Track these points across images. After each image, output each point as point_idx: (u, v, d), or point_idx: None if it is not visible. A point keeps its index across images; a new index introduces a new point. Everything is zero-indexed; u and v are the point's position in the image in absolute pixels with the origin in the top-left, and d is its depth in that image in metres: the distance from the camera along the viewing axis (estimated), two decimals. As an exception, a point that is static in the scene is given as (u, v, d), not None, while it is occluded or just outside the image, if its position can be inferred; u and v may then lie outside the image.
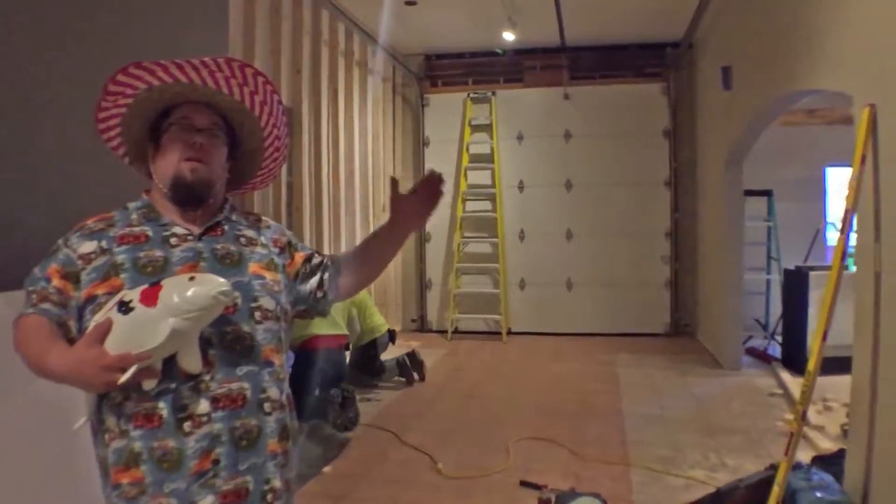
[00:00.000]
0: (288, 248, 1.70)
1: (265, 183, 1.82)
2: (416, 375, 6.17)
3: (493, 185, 8.54)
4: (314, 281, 1.69)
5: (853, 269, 3.62)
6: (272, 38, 5.21)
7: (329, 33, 6.29)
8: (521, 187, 8.64)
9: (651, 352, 7.39)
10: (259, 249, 1.61)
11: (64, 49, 2.59)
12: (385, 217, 6.10)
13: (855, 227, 3.16)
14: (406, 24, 7.12)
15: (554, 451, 4.43)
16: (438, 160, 8.72)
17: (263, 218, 1.74)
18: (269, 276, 1.58)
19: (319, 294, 1.70)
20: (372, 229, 7.22)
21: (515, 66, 8.55)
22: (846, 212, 3.08)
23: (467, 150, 8.56)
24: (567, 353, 7.42)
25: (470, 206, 8.63)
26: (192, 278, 1.33)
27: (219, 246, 1.55)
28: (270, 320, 1.54)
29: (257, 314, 1.51)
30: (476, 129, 8.61)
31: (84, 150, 2.16)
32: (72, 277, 1.45)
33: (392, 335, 6.21)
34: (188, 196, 1.54)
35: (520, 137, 8.60)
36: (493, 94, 8.55)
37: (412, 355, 6.22)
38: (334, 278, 1.72)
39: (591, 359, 7.14)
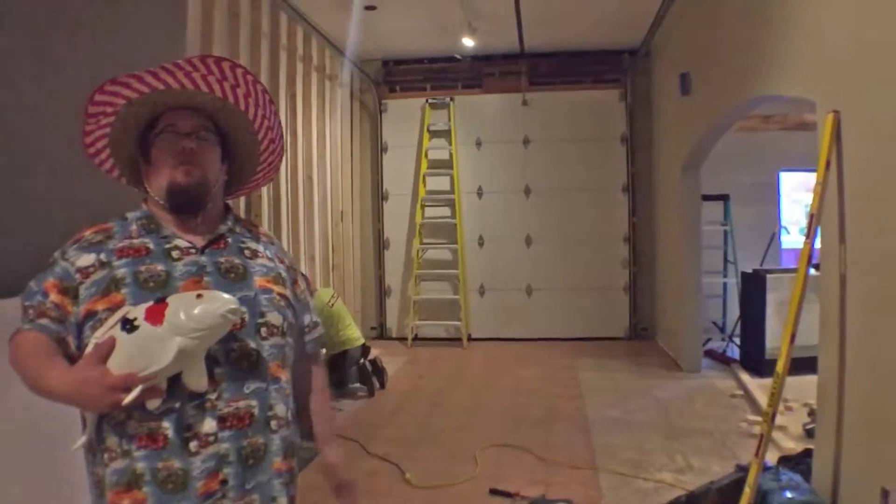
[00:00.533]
0: (291, 270, 1.65)
1: (268, 178, 1.75)
2: (377, 383, 6.10)
3: (452, 191, 8.52)
4: (308, 318, 1.69)
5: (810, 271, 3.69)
6: (230, 41, 5.10)
7: (287, 37, 6.20)
8: (479, 193, 8.64)
9: (611, 355, 7.45)
10: (264, 262, 1.56)
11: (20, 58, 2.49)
12: (342, 226, 5.91)
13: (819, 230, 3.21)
14: (365, 29, 7.06)
15: (521, 457, 4.42)
16: (397, 166, 8.70)
17: (262, 230, 1.69)
18: (276, 289, 1.53)
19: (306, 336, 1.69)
20: (330, 236, 7.18)
21: (474, 72, 8.56)
22: (811, 216, 3.14)
23: (426, 155, 8.54)
24: (528, 359, 7.43)
25: (429, 212, 8.59)
26: (199, 296, 1.28)
27: (222, 259, 1.49)
28: (276, 336, 1.49)
29: (263, 330, 1.46)
30: (435, 134, 8.59)
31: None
32: (70, 292, 1.38)
33: (365, 350, 6.13)
34: (186, 201, 1.47)
35: (479, 143, 8.61)
36: (452, 99, 8.54)
37: (373, 362, 6.15)
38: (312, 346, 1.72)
39: (552, 364, 7.16)
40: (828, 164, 3.06)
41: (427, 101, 8.57)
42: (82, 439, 1.36)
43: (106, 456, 1.34)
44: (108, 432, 1.34)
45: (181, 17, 4.06)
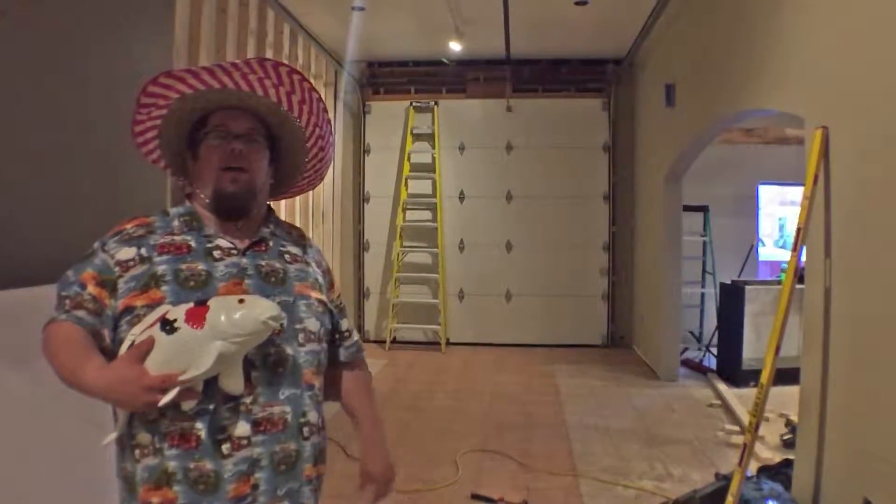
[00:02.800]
0: (327, 274, 1.64)
1: (312, 185, 1.73)
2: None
3: (434, 195, 8.51)
4: (345, 324, 1.67)
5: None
6: (217, 37, 5.05)
7: (274, 35, 6.16)
8: (461, 198, 8.65)
9: (589, 363, 7.48)
10: (304, 267, 1.55)
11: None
12: (322, 227, 5.89)
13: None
14: (351, 29, 7.03)
15: (502, 463, 4.42)
16: (379, 168, 8.68)
17: (302, 232, 1.68)
18: (314, 295, 1.52)
19: (338, 338, 1.65)
20: (310, 237, 7.16)
21: (459, 77, 8.56)
22: (798, 230, 3.18)
23: (409, 158, 8.52)
24: (507, 365, 7.45)
25: (410, 215, 8.58)
26: (241, 301, 1.27)
27: (263, 262, 1.48)
28: (313, 342, 1.48)
29: (301, 336, 1.45)
30: (418, 138, 8.58)
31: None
32: (108, 285, 1.36)
33: None
34: (231, 208, 1.47)
35: (461, 148, 8.61)
36: (436, 103, 8.53)
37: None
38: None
39: (530, 370, 7.18)
40: (815, 178, 3.11)
41: (411, 104, 8.56)
42: (113, 435, 1.34)
43: (137, 452, 1.33)
44: (140, 429, 1.33)
45: (169, 11, 4.03)
